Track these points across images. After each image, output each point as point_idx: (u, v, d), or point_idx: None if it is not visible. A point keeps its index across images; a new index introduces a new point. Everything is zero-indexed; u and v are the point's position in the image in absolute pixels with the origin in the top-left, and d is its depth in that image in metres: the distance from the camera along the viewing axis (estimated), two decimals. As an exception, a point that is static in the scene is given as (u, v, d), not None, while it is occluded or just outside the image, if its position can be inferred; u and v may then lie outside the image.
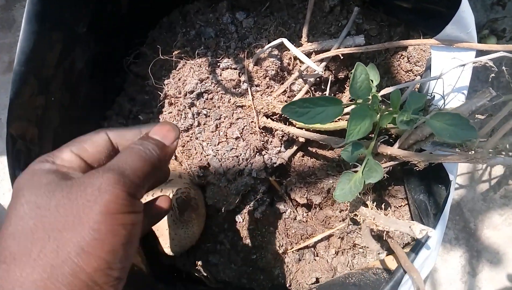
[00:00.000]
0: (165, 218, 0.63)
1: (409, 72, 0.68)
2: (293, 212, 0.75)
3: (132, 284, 0.55)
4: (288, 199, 0.74)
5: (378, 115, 0.50)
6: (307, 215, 0.76)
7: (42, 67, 0.50)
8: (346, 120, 0.62)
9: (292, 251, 0.73)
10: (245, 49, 0.69)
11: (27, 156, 0.46)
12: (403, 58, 0.69)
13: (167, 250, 0.65)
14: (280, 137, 0.67)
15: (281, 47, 0.68)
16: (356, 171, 0.54)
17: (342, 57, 0.63)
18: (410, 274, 0.45)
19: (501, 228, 0.99)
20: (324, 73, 0.67)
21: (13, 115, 0.45)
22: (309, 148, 0.72)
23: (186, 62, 0.70)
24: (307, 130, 0.63)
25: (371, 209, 0.53)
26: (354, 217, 0.59)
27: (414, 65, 0.67)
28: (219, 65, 0.69)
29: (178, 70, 0.70)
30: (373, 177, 0.50)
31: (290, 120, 0.66)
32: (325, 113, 0.48)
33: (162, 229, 0.64)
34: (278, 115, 0.66)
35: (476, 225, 1.00)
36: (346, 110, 0.60)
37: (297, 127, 0.64)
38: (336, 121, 0.62)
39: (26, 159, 0.46)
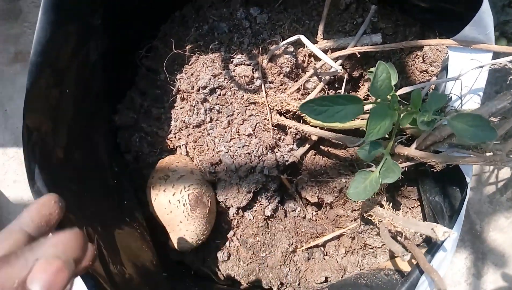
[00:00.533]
0: (177, 213, 0.62)
1: (424, 72, 0.68)
2: (303, 210, 0.74)
3: (144, 280, 0.55)
4: (298, 198, 0.74)
5: (398, 115, 0.49)
6: (317, 214, 0.75)
7: (58, 58, 0.49)
8: (361, 119, 0.61)
9: (302, 250, 0.72)
10: (259, 45, 0.68)
11: (42, 149, 0.45)
12: (418, 58, 0.69)
13: (178, 246, 0.64)
14: (294, 135, 0.67)
15: (296, 44, 0.67)
16: (372, 171, 0.53)
17: (358, 56, 0.62)
18: (431, 275, 0.45)
19: (507, 231, 0.99)
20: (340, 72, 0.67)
21: (29, 107, 0.44)
22: (321, 146, 0.71)
23: (198, 57, 0.69)
24: (321, 128, 0.62)
25: (387, 209, 0.53)
26: (368, 217, 0.58)
27: (429, 65, 0.66)
28: (233, 61, 0.68)
29: (190, 65, 0.69)
30: (390, 177, 0.50)
31: (304, 118, 0.65)
32: (344, 112, 0.48)
33: (173, 225, 0.63)
34: (291, 113, 0.66)
35: (482, 227, 1.00)
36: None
37: (311, 125, 0.63)
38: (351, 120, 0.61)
39: (41, 151, 0.45)
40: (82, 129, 0.57)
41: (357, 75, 0.69)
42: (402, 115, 0.48)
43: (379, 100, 0.49)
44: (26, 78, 0.99)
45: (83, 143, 0.57)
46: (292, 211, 0.74)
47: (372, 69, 0.59)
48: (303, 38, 0.57)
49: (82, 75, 0.56)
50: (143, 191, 0.70)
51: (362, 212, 0.62)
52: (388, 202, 0.55)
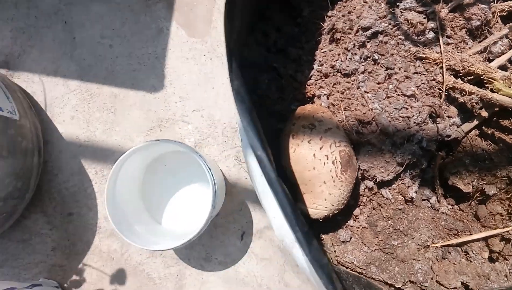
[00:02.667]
0: (322, 172, 0.50)
1: None
2: (438, 201, 0.62)
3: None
4: (438, 185, 0.62)
5: None
6: (452, 208, 0.63)
7: None
8: None
9: (436, 247, 0.60)
10: (433, -7, 0.57)
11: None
12: None
13: (312, 211, 0.52)
14: (473, 104, 0.55)
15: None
16: None
17: None
18: None
19: None
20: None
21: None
22: (483, 127, 0.59)
23: (358, -5, 0.57)
24: (516, 98, 0.51)
25: None
26: None
27: None
28: (398, 5, 0.57)
29: (345, 2, 0.58)
30: None
31: (487, 84, 0.53)
32: None
33: (313, 185, 0.51)
34: (472, 77, 0.54)
35: None
36: None
37: (501, 94, 0.52)
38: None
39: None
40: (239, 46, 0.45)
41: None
42: None
43: None
44: (102, 6, 0.86)
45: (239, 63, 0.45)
46: (425, 199, 0.62)
47: None
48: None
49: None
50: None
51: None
52: None
